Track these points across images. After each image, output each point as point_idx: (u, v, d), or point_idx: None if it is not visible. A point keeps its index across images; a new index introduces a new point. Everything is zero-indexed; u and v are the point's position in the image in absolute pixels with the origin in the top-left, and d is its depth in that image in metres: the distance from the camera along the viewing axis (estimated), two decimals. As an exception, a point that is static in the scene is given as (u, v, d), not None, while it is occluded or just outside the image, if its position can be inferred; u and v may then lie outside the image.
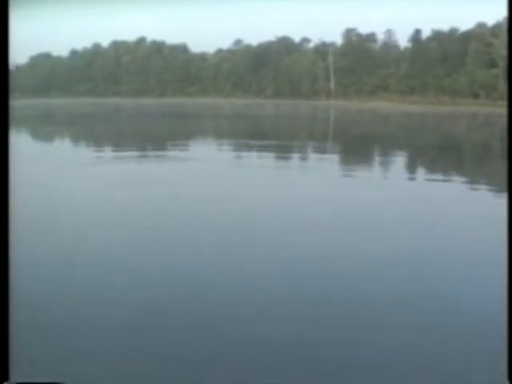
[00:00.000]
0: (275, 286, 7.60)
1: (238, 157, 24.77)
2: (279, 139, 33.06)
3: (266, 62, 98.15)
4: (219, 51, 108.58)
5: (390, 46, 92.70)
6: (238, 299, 7.17)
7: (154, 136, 36.40)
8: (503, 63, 65.39)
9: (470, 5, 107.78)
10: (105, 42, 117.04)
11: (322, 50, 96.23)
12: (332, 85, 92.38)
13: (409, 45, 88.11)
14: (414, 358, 5.68)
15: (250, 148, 27.97)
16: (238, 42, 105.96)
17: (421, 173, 20.58)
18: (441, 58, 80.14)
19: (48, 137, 35.21)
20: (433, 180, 17.84)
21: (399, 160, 24.27)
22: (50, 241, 9.94)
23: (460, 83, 76.30)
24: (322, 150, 27.76)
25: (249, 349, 5.87)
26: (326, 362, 5.59)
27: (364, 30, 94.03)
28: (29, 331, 5.75)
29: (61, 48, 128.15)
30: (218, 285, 7.68)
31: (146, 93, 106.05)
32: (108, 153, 26.58)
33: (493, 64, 72.62)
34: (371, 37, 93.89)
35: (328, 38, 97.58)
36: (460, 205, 13.53)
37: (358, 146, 30.06)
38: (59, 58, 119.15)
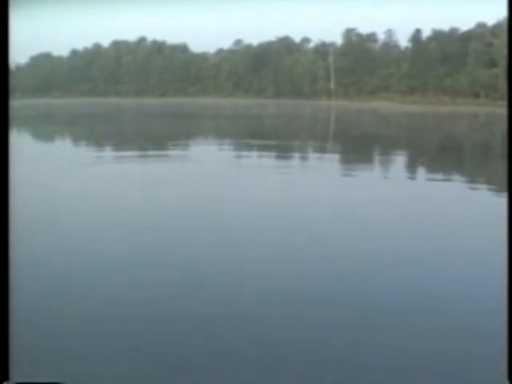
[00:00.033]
0: (275, 286, 7.60)
1: (238, 156, 24.77)
2: (280, 139, 33.06)
3: (266, 62, 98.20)
4: (220, 51, 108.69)
5: (390, 45, 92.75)
6: (238, 299, 7.17)
7: (154, 136, 36.40)
8: (503, 63, 65.34)
9: (470, 5, 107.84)
10: (105, 42, 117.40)
11: (323, 49, 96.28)
12: (332, 85, 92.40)
13: (409, 45, 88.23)
14: (415, 358, 5.68)
15: (250, 148, 27.98)
16: (238, 41, 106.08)
17: (421, 172, 20.57)
18: (441, 57, 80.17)
19: (48, 137, 35.21)
20: (433, 180, 17.84)
21: (400, 160, 24.27)
22: (50, 241, 9.94)
23: (460, 83, 76.33)
24: (322, 150, 27.77)
25: (249, 349, 5.87)
26: (327, 363, 5.59)
27: (364, 29, 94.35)
28: (29, 331, 5.75)
29: (61, 48, 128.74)
30: (218, 285, 7.68)
31: (147, 93, 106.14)
32: (109, 153, 26.59)
33: (493, 64, 72.65)
34: (371, 37, 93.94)
35: (328, 38, 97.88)
36: (460, 204, 13.53)
37: (358, 146, 30.05)
38: (60, 58, 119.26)
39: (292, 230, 10.70)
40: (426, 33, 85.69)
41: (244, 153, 26.15)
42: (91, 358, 5.58)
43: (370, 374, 5.36)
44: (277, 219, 11.68)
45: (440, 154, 27.22)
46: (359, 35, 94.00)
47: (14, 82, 71.57)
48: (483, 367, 5.43)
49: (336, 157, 25.07)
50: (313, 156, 25.46)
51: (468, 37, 78.62)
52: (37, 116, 60.83)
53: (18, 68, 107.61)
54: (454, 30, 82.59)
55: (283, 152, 25.96)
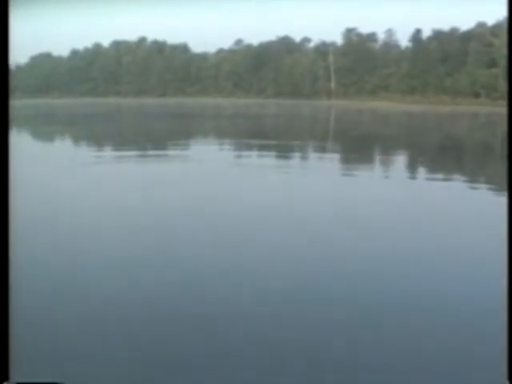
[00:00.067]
0: (275, 286, 7.60)
1: (238, 156, 24.77)
2: (280, 139, 33.06)
3: (266, 62, 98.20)
4: (220, 51, 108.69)
5: (390, 45, 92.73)
6: (238, 299, 7.16)
7: (154, 136, 36.40)
8: (504, 63, 65.34)
9: (470, 5, 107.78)
10: (105, 42, 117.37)
11: (323, 49, 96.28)
12: (333, 84, 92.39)
13: (409, 44, 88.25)
14: (415, 358, 5.68)
15: (250, 148, 27.98)
16: (238, 41, 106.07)
17: (421, 172, 20.57)
18: (441, 57, 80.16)
19: (49, 137, 35.22)
20: (433, 179, 17.84)
21: (400, 159, 24.28)
22: (50, 241, 9.93)
23: (460, 83, 76.32)
24: (322, 150, 27.77)
25: (249, 349, 5.86)
26: (327, 363, 5.59)
27: (364, 29, 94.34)
28: (29, 331, 5.75)
29: (61, 48, 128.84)
30: (218, 285, 7.68)
31: (147, 93, 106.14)
32: (109, 152, 26.58)
33: (493, 64, 72.65)
34: (372, 36, 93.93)
35: (328, 38, 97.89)
36: (460, 204, 13.53)
37: (358, 146, 30.04)
38: (60, 58, 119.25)
39: (292, 230, 10.70)
40: (427, 33, 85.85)
41: (244, 152, 26.15)
42: (91, 358, 5.58)
43: (370, 374, 5.36)
44: (277, 219, 11.67)
45: (440, 153, 27.22)
46: (359, 35, 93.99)
47: (14, 81, 71.58)
48: (483, 367, 5.43)
49: (336, 156, 25.07)
50: (313, 156, 25.46)
51: (468, 37, 78.61)
52: (37, 116, 60.84)
53: (18, 68, 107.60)
54: (454, 30, 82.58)
55: (283, 152, 25.96)
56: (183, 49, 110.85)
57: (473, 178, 18.40)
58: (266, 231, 10.69)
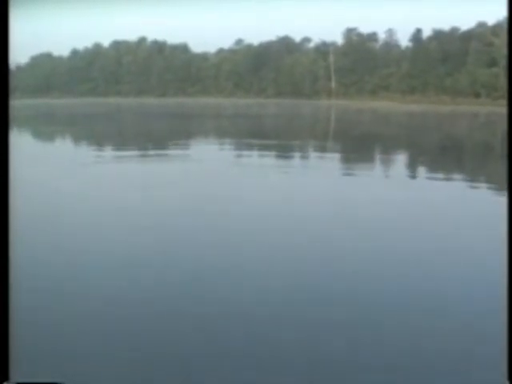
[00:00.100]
0: (276, 287, 7.60)
1: (239, 156, 24.77)
2: (280, 138, 33.06)
3: (266, 62, 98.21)
4: (220, 51, 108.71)
5: (390, 45, 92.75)
6: (239, 299, 7.16)
7: (155, 136, 36.40)
8: (504, 62, 65.31)
9: (470, 4, 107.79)
10: (106, 42, 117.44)
11: (323, 49, 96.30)
12: (333, 84, 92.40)
13: (410, 44, 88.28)
14: (415, 358, 5.68)
15: (251, 147, 27.98)
16: (238, 41, 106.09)
17: (422, 172, 20.57)
18: (442, 57, 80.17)
19: (49, 137, 35.22)
20: (434, 179, 17.85)
21: (400, 159, 24.28)
22: (50, 241, 9.94)
23: (461, 82, 76.32)
24: (322, 149, 27.76)
25: (249, 349, 5.86)
26: (327, 363, 5.59)
27: (365, 29, 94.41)
28: (29, 331, 5.75)
29: (61, 48, 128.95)
30: (218, 285, 7.68)
31: (147, 93, 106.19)
32: (109, 152, 26.59)
33: (494, 63, 72.65)
34: (372, 36, 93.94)
35: (329, 38, 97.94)
36: (461, 203, 13.52)
37: (358, 146, 30.04)
38: (60, 58, 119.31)
39: (292, 230, 10.69)
40: (427, 32, 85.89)
41: (244, 152, 26.15)
42: (91, 358, 5.58)
43: (370, 374, 5.36)
44: (277, 219, 11.67)
45: (440, 153, 27.22)
46: (360, 35, 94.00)
47: (14, 81, 71.58)
48: (483, 367, 5.43)
49: (336, 156, 25.08)
50: (313, 155, 25.45)
51: (468, 36, 78.62)
52: (37, 116, 60.84)
53: (19, 68, 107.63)
54: (454, 30, 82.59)
55: (284, 151, 25.97)
56: (183, 49, 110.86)
57: (473, 178, 18.40)
58: (266, 231, 10.69)
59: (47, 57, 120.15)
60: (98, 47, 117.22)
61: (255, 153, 25.82)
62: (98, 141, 32.98)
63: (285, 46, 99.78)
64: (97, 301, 7.04)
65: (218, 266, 8.44)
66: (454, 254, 9.23)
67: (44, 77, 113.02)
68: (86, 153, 25.41)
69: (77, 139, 33.65)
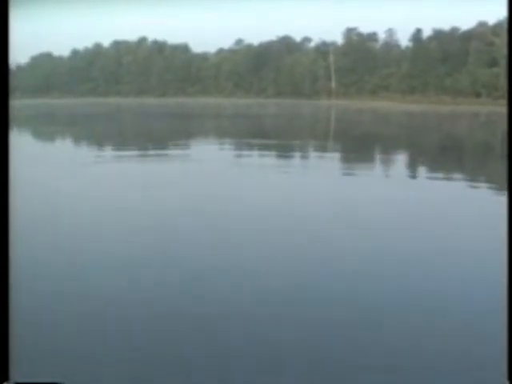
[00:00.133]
0: (276, 286, 7.60)
1: (239, 156, 24.78)
2: (280, 138, 33.06)
3: (267, 62, 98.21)
4: (220, 51, 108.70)
5: (390, 45, 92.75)
6: (239, 299, 7.16)
7: (155, 136, 36.40)
8: (505, 62, 65.27)
9: (470, 4, 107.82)
10: (106, 42, 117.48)
11: (323, 49, 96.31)
12: (333, 84, 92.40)
13: (410, 44, 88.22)
14: (415, 358, 5.68)
15: (251, 147, 27.98)
16: (239, 41, 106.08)
17: (422, 171, 20.58)
18: (442, 57, 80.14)
19: (49, 137, 35.22)
20: (434, 178, 17.86)
21: (400, 159, 24.28)
22: (50, 241, 9.94)
23: (461, 82, 76.31)
24: (323, 149, 27.76)
25: (249, 349, 5.86)
26: (327, 363, 5.59)
27: (365, 29, 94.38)
28: (29, 331, 5.75)
29: (62, 48, 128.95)
30: (218, 285, 7.68)
31: (148, 93, 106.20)
32: (109, 152, 26.59)
33: (494, 63, 72.62)
34: (372, 36, 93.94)
35: (329, 38, 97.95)
36: (461, 203, 13.52)
37: (359, 145, 30.04)
38: (60, 58, 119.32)
39: (292, 230, 10.69)
40: (427, 32, 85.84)
41: (244, 152, 26.15)
42: (91, 358, 5.58)
43: (370, 374, 5.36)
44: (277, 219, 11.67)
45: (440, 153, 27.22)
46: (360, 35, 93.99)
47: (14, 81, 71.55)
48: (483, 367, 5.43)
49: (336, 156, 25.08)
50: (313, 155, 25.45)
51: (469, 36, 78.59)
52: (37, 116, 60.85)
53: (19, 68, 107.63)
54: (454, 30, 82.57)
55: (284, 151, 25.97)
56: (183, 49, 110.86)
57: (473, 178, 18.39)
58: (266, 231, 10.69)
59: (47, 57, 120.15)
60: (98, 47, 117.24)
61: (255, 153, 25.82)
62: (98, 141, 32.99)
63: (285, 45, 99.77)
64: (97, 301, 7.04)
65: (218, 266, 8.44)
66: (453, 253, 9.23)
67: (44, 77, 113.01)
68: (86, 153, 25.42)
69: (77, 139, 33.64)
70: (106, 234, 10.45)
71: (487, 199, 14.02)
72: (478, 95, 74.04)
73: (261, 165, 20.64)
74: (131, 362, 5.52)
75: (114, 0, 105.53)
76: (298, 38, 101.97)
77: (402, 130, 42.73)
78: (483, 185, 16.82)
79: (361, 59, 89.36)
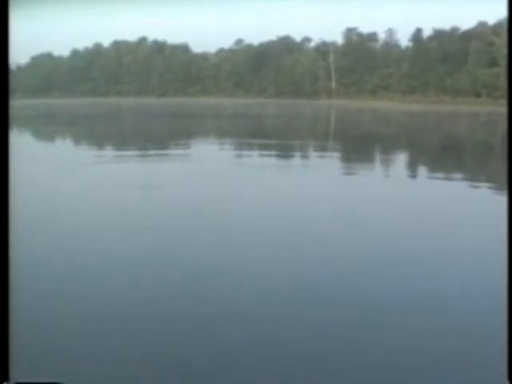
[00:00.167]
0: (276, 286, 7.60)
1: (239, 156, 24.78)
2: (281, 138, 33.05)
3: (267, 62, 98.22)
4: (220, 51, 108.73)
5: (391, 45, 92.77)
6: (239, 299, 7.16)
7: (155, 136, 36.40)
8: (505, 62, 65.25)
9: (470, 4, 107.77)
10: (106, 42, 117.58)
11: (323, 49, 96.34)
12: (333, 84, 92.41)
13: (410, 44, 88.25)
14: (415, 358, 5.68)
15: (251, 147, 27.98)
16: (239, 41, 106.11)
17: (422, 171, 20.58)
18: (442, 57, 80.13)
19: (49, 137, 35.22)
20: (434, 178, 17.86)
21: (400, 159, 24.28)
22: (50, 241, 9.94)
23: (461, 82, 76.31)
24: (323, 149, 27.76)
25: (249, 349, 5.86)
26: (327, 363, 5.59)
27: (365, 29, 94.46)
28: (29, 331, 5.75)
29: (62, 48, 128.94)
30: (218, 285, 7.68)
31: (148, 93, 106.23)
32: (109, 152, 26.58)
33: (494, 63, 72.62)
34: (372, 36, 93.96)
35: (329, 38, 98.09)
36: (461, 203, 13.52)
37: (359, 145, 30.04)
38: (60, 58, 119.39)
39: (292, 230, 10.69)
40: (427, 32, 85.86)
41: (245, 152, 26.15)
42: (91, 357, 5.58)
43: (370, 374, 5.36)
44: (277, 219, 11.67)
45: (441, 153, 27.21)
46: (360, 35, 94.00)
47: (14, 82, 71.52)
48: (483, 367, 5.43)
49: (337, 156, 25.07)
50: (313, 155, 25.45)
51: (469, 36, 78.58)
52: (37, 116, 60.85)
53: (19, 68, 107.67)
54: (454, 29, 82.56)
55: (284, 151, 25.96)
56: (183, 49, 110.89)
57: (473, 177, 18.39)
58: (266, 231, 10.68)
59: (47, 57, 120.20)
60: (98, 47, 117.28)
61: (255, 153, 25.81)
62: (98, 141, 32.98)
63: (285, 45, 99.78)
64: (97, 301, 7.04)
65: (218, 266, 8.44)
66: (453, 253, 9.23)
67: (44, 77, 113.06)
68: (86, 153, 25.41)
69: (77, 139, 33.65)
70: (106, 233, 10.45)
71: (487, 199, 14.02)
72: (478, 95, 74.04)
73: (261, 165, 20.64)
74: (131, 362, 5.52)
75: (113, 0, 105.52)
76: (298, 37, 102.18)
77: (402, 129, 42.72)
78: (483, 184, 16.82)
79: (361, 59, 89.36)
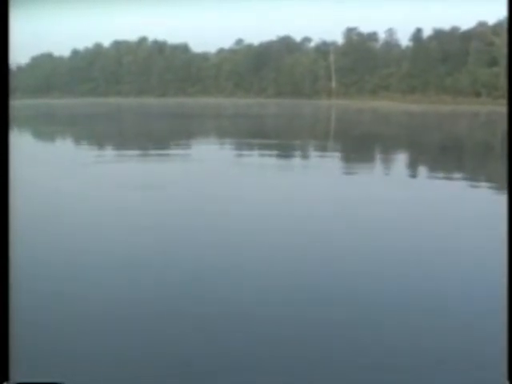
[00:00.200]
0: (276, 286, 7.60)
1: (239, 156, 24.78)
2: (281, 138, 33.05)
3: (267, 62, 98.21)
4: (220, 51, 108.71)
5: (391, 45, 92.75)
6: (239, 299, 7.16)
7: (155, 136, 36.40)
8: (505, 62, 65.24)
9: (470, 4, 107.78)
10: (106, 42, 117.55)
11: (324, 49, 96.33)
12: (333, 84, 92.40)
13: (410, 44, 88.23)
14: (415, 358, 5.68)
15: (251, 147, 27.98)
16: (239, 41, 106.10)
17: (422, 171, 20.58)
18: (442, 56, 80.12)
19: (49, 137, 35.22)
20: (434, 178, 17.86)
21: (400, 158, 24.28)
22: (50, 241, 9.94)
23: (461, 82, 76.30)
24: (323, 149, 27.76)
25: (249, 349, 5.86)
26: (327, 362, 5.59)
27: (365, 29, 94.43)
28: (29, 331, 5.75)
29: (62, 48, 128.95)
30: (218, 285, 7.68)
31: (148, 93, 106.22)
32: (109, 152, 26.58)
33: (494, 62, 72.63)
34: (372, 36, 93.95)
35: (329, 38, 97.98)
36: (461, 202, 13.52)
37: (359, 145, 30.04)
38: (60, 58, 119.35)
39: (293, 230, 10.69)
40: (427, 32, 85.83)
41: (245, 152, 26.15)
42: (91, 358, 5.58)
43: (370, 374, 5.36)
44: (277, 218, 11.67)
45: (441, 152, 27.21)
46: (360, 34, 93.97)
47: (14, 82, 71.51)
48: (483, 367, 5.43)
49: (337, 156, 25.07)
50: (314, 155, 25.45)
51: (469, 36, 78.58)
52: (37, 116, 60.85)
53: (19, 68, 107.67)
54: (454, 29, 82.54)
55: (284, 151, 25.96)
56: (184, 49, 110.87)
57: (473, 177, 18.39)
58: (266, 231, 10.68)
59: (47, 57, 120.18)
60: (98, 47, 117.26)
61: (255, 152, 25.81)
62: (99, 141, 32.98)
63: (285, 45, 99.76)
64: (97, 301, 7.04)
65: (218, 266, 8.44)
66: (453, 253, 9.23)
67: (44, 77, 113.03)
68: (86, 153, 25.40)
69: (77, 139, 33.65)
70: (106, 234, 10.45)
71: (487, 199, 14.02)
72: (478, 95, 74.04)
73: (261, 165, 20.65)
74: (131, 362, 5.52)
75: (113, 0, 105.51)
76: (298, 37, 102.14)
77: (403, 129, 42.72)
78: (483, 184, 16.82)
79: (361, 59, 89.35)
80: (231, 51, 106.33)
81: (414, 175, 19.53)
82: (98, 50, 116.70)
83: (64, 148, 29.23)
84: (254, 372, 5.40)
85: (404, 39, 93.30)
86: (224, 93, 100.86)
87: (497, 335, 5.30)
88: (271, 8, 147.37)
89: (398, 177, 18.20)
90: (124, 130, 42.61)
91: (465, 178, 17.87)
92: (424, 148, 28.60)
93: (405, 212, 12.56)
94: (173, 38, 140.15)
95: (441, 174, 18.94)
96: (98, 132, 40.10)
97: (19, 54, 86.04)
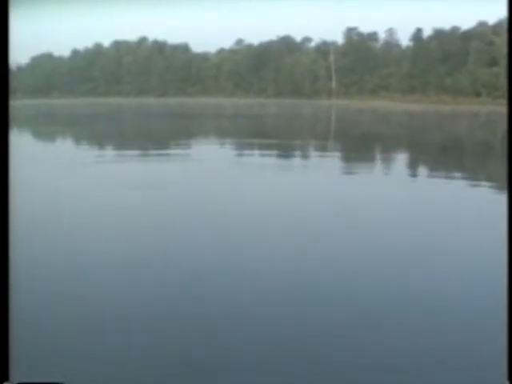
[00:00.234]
0: (276, 286, 7.60)
1: (239, 156, 24.78)
2: (281, 138, 33.05)
3: (267, 62, 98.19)
4: (221, 51, 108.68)
5: (391, 45, 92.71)
6: (239, 299, 7.16)
7: (155, 136, 36.40)
8: (505, 61, 65.22)
9: (470, 4, 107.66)
10: (106, 42, 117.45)
11: (324, 49, 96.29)
12: (333, 84, 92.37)
13: (410, 44, 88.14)
14: (415, 358, 5.68)
15: (251, 147, 27.97)
16: (239, 41, 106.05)
17: (422, 171, 20.58)
18: (442, 56, 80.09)
19: (49, 137, 35.22)
20: (434, 178, 17.86)
21: (401, 158, 24.28)
22: (50, 241, 9.94)
23: (461, 82, 76.27)
24: (323, 149, 27.76)
25: (249, 349, 5.86)
26: (327, 362, 5.59)
27: (365, 29, 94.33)
28: (29, 331, 5.75)
29: (62, 48, 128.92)
30: (218, 285, 7.68)
31: (148, 93, 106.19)
32: (110, 152, 26.58)
33: (494, 62, 72.59)
34: (372, 36, 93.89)
35: (329, 37, 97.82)
36: (461, 202, 13.52)
37: (359, 145, 30.04)
38: (60, 58, 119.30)
39: (293, 230, 10.69)
40: (427, 32, 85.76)
41: (245, 152, 26.15)
42: (91, 358, 5.59)
43: (370, 374, 5.36)
44: (277, 218, 11.67)
45: (441, 152, 27.21)
46: (360, 34, 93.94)
47: (14, 82, 71.55)
48: (483, 367, 5.43)
49: (337, 155, 25.07)
50: (314, 155, 25.45)
51: (469, 35, 78.56)
52: (37, 116, 60.85)
53: (19, 68, 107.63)
54: (454, 29, 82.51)
55: (284, 151, 25.96)
56: (184, 49, 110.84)
57: (473, 177, 18.39)
58: (266, 231, 10.69)
59: (48, 57, 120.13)
60: (98, 47, 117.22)
61: (256, 152, 25.81)
62: (99, 141, 32.98)
63: (285, 45, 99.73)
64: (97, 301, 7.04)
65: (218, 266, 8.44)
66: (453, 253, 9.23)
67: (44, 77, 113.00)
68: (86, 153, 25.41)
69: (77, 139, 33.65)
70: (106, 233, 10.45)
71: (487, 198, 14.01)
72: (478, 95, 74.02)
73: (261, 164, 20.65)
74: (131, 362, 5.52)
75: (114, 0, 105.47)
76: (298, 37, 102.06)
77: (403, 129, 42.72)
78: (483, 184, 16.82)
79: (361, 59, 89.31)
80: (231, 51, 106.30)
81: (414, 175, 19.53)
82: (97, 50, 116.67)
83: (64, 148, 29.23)
84: (254, 372, 5.40)
85: (404, 39, 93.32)
86: (224, 93, 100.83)
87: (497, 335, 5.30)
88: (271, 8, 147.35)
89: (398, 176, 18.20)
90: (124, 130, 42.61)
91: (465, 178, 17.88)
92: (424, 148, 28.59)
93: (405, 212, 12.56)
94: (173, 37, 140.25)
95: (441, 174, 18.95)
96: (98, 132, 40.10)
97: (19, 53, 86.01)
